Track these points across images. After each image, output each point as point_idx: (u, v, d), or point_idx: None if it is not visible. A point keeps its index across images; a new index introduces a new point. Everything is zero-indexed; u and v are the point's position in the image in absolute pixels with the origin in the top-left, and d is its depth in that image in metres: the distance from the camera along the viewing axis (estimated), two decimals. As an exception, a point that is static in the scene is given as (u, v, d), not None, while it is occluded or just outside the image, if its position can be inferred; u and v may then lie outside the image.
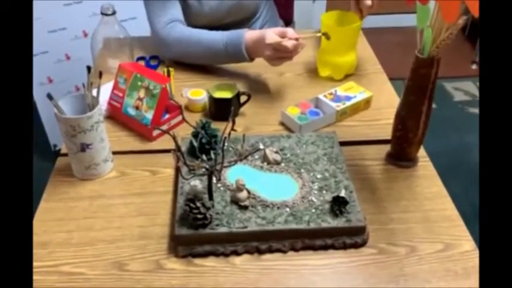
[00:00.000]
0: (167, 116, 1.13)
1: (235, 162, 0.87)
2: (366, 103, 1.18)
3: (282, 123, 1.15)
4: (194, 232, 0.84)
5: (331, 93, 1.18)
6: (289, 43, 1.12)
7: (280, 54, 1.16)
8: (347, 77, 1.30)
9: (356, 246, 0.86)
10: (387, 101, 1.21)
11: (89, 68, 0.96)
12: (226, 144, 0.86)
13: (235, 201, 0.89)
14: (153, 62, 1.37)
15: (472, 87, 2.74)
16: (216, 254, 0.85)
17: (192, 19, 1.39)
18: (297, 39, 1.13)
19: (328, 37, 1.21)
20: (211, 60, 1.32)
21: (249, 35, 1.22)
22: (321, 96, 1.17)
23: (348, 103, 1.15)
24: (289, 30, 1.14)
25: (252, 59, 1.25)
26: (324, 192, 0.91)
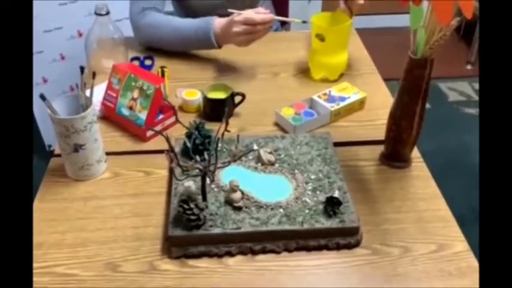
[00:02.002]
0: (161, 116, 1.12)
1: (229, 163, 0.87)
2: (360, 104, 1.19)
3: (276, 124, 1.15)
4: (188, 233, 0.84)
5: (325, 94, 1.18)
6: (256, 16, 1.15)
7: (248, 29, 1.17)
8: (340, 76, 1.30)
9: (349, 246, 0.86)
10: (381, 101, 1.21)
11: (82, 69, 0.96)
12: (220, 145, 0.86)
13: (229, 202, 0.89)
14: (147, 63, 1.37)
15: (467, 88, 2.75)
16: (209, 255, 0.85)
17: (187, 7, 1.42)
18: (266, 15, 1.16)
19: (322, 39, 1.21)
20: (181, 44, 1.35)
21: (218, 20, 1.26)
22: (315, 97, 1.17)
23: (342, 104, 1.15)
24: (259, 8, 1.18)
25: (219, 46, 1.28)
26: (318, 193, 0.91)
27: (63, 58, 2.05)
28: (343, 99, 1.16)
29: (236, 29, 1.18)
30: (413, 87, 0.92)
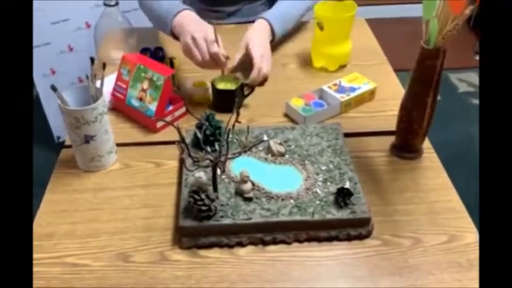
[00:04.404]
0: (171, 107, 1.12)
1: (240, 153, 0.87)
2: (371, 94, 1.18)
3: (286, 115, 1.14)
4: (198, 224, 0.84)
5: (335, 84, 1.17)
6: (204, 53, 1.09)
7: (194, 52, 1.11)
8: (347, 67, 1.29)
9: (360, 237, 0.86)
10: (392, 92, 1.20)
11: (92, 60, 0.96)
12: (230, 135, 0.86)
13: (239, 193, 0.89)
14: (157, 54, 1.37)
15: (476, 79, 2.73)
16: (220, 246, 0.85)
17: None
18: (225, 56, 1.10)
19: (321, 27, 1.20)
20: (154, 21, 1.29)
21: (189, 13, 1.19)
22: (325, 88, 1.16)
23: (352, 94, 1.14)
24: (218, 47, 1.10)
25: (175, 37, 1.21)
26: (329, 183, 0.91)
27: (71, 50, 2.06)
28: (353, 89, 1.15)
29: (187, 39, 1.11)
30: (425, 77, 0.92)
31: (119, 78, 1.14)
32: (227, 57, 1.12)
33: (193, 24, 1.15)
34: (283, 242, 0.85)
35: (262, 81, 1.23)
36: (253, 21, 1.30)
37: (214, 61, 1.11)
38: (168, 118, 1.11)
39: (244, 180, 0.88)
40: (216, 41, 1.11)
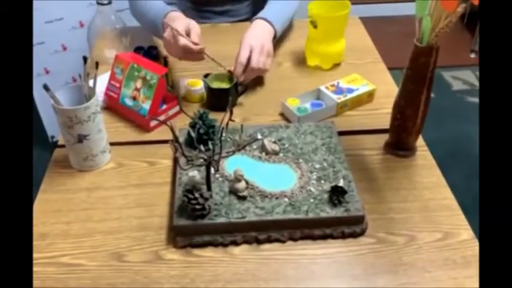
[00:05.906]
0: (164, 106, 1.12)
1: (234, 152, 0.87)
2: (369, 96, 1.17)
3: (281, 114, 1.14)
4: (193, 223, 0.84)
5: (333, 85, 1.16)
6: (181, 41, 1.08)
7: (167, 47, 1.13)
8: (336, 66, 1.30)
9: (355, 235, 0.86)
10: (386, 90, 1.20)
11: (85, 59, 0.96)
12: (224, 134, 0.86)
13: (233, 192, 0.88)
14: (151, 53, 1.36)
15: (470, 76, 2.74)
16: (214, 245, 0.85)
17: None
18: (197, 46, 1.09)
19: (315, 26, 1.19)
20: (145, 23, 1.31)
21: (173, 13, 1.20)
22: (322, 88, 1.16)
23: (350, 95, 1.13)
24: (194, 36, 1.09)
25: None
26: (323, 182, 0.91)
27: (64, 49, 2.05)
28: (351, 90, 1.14)
29: (166, 34, 1.12)
30: (418, 75, 0.92)
31: (112, 77, 1.14)
32: (201, 48, 1.10)
33: (171, 23, 1.14)
34: (277, 240, 0.85)
35: (257, 76, 1.19)
36: (240, 21, 1.29)
37: (187, 53, 1.10)
38: (162, 117, 1.10)
39: (238, 178, 0.87)
40: (188, 34, 1.10)
